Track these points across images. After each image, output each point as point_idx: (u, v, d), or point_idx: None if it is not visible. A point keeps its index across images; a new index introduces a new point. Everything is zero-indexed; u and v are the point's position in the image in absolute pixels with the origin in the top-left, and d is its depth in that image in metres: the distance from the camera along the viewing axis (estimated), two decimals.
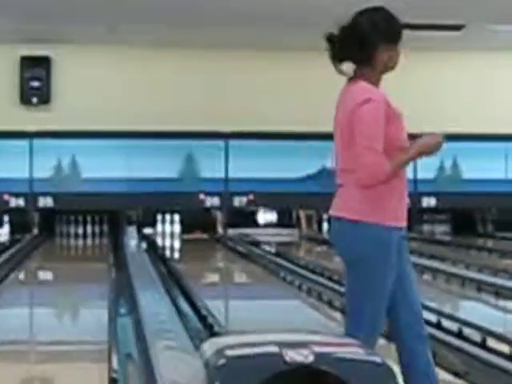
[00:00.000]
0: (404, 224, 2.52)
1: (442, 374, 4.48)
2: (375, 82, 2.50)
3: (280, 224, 16.89)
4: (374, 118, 2.40)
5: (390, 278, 2.41)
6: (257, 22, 13.45)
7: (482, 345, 5.43)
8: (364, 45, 2.44)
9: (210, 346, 1.94)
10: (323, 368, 1.64)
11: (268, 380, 1.62)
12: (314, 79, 14.91)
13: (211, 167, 15.66)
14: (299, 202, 16.17)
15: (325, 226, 16.19)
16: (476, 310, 8.16)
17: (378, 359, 1.83)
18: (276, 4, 12.46)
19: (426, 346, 2.49)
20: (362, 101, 2.40)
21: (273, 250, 13.51)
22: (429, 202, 15.99)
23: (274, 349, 1.68)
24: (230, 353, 1.73)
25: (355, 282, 2.46)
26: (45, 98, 14.96)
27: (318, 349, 1.68)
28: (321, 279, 9.64)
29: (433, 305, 7.37)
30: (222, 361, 1.70)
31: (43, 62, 14.99)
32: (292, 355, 1.62)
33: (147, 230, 15.90)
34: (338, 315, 7.28)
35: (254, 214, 16.83)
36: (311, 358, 1.62)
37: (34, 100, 14.95)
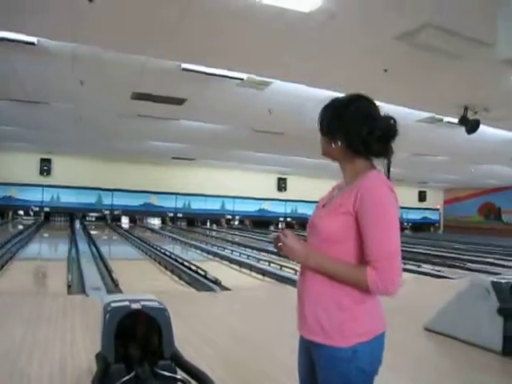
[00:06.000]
0: (299, 329, 1.50)
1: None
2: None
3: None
4: None
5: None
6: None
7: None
8: None
9: (106, 299, 2.36)
10: (144, 310, 2.21)
11: (124, 315, 2.19)
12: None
13: None
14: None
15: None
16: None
17: (163, 306, 2.29)
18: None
19: None
20: None
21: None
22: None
23: (127, 303, 2.22)
24: (112, 304, 2.24)
25: None
26: (49, 173, 18.58)
27: (143, 303, 2.24)
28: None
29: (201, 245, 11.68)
30: (108, 308, 2.21)
31: (48, 161, 18.51)
32: (133, 305, 2.20)
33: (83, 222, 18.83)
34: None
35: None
36: (140, 307, 2.20)
37: (45, 174, 18.49)
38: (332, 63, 6.29)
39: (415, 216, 25.04)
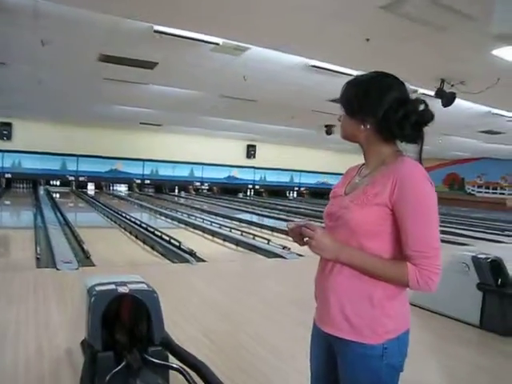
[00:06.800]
0: (319, 323, 1.40)
1: None
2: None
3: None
4: None
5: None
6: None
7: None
8: None
9: (88, 281, 2.22)
10: (132, 294, 2.09)
11: (111, 300, 2.06)
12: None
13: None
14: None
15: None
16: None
17: (151, 288, 2.17)
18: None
19: None
20: None
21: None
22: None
23: (112, 286, 2.10)
24: (96, 288, 2.09)
25: None
26: (9, 137, 17.75)
27: (130, 286, 2.11)
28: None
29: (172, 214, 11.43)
30: (94, 292, 2.07)
31: (8, 125, 17.62)
32: (120, 289, 2.08)
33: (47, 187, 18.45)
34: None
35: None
36: (128, 290, 2.07)
37: (4, 138, 17.68)
38: (314, 31, 6.07)
39: None
